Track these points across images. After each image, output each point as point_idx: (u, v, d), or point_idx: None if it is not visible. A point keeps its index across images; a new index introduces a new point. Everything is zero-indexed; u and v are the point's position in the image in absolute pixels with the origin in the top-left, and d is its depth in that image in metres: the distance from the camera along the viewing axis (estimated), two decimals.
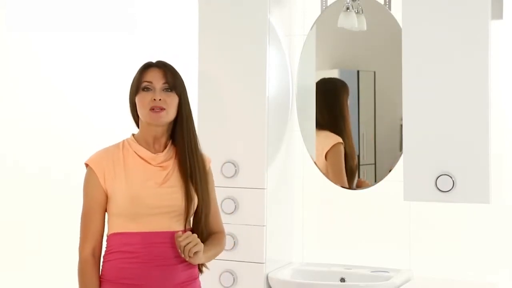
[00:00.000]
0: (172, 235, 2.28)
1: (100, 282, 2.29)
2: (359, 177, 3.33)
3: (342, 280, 3.23)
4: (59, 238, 3.59)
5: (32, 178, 3.68)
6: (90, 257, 2.28)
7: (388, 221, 3.27)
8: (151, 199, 2.28)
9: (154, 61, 2.38)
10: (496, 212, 3.04)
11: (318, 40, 3.39)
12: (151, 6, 3.98)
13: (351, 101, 3.35)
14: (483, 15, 2.73)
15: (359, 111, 3.33)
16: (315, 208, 3.43)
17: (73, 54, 3.86)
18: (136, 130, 2.40)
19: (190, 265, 2.33)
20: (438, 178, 2.78)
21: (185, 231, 2.32)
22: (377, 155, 3.30)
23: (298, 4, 3.45)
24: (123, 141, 2.38)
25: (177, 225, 2.31)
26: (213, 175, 2.48)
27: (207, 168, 2.43)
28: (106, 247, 2.33)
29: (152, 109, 2.30)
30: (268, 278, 3.15)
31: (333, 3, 3.36)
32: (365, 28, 3.31)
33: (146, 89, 2.32)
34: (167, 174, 2.32)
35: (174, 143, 2.38)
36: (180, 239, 2.23)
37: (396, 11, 3.17)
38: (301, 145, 3.41)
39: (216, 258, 2.42)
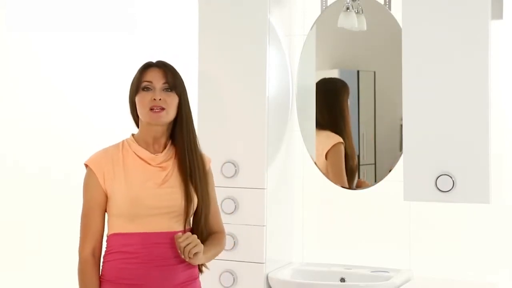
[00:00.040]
0: (171, 236, 2.28)
1: (100, 282, 2.29)
2: (359, 177, 3.33)
3: (342, 280, 3.23)
4: (59, 238, 3.59)
5: (32, 178, 3.68)
6: (90, 257, 2.28)
7: (388, 221, 3.27)
8: (151, 199, 2.27)
9: (154, 61, 2.38)
10: (496, 212, 3.04)
11: (318, 40, 3.39)
12: (151, 6, 3.98)
13: (351, 101, 3.35)
14: (483, 15, 2.73)
15: (359, 111, 3.33)
16: (315, 208, 3.43)
17: (73, 54, 3.86)
18: (136, 130, 2.40)
19: (190, 265, 2.33)
20: (438, 178, 2.78)
21: (184, 231, 2.32)
22: (377, 155, 3.30)
23: (298, 4, 3.45)
24: (123, 141, 2.37)
25: (176, 226, 2.31)
26: (213, 175, 2.48)
27: (207, 168, 2.43)
28: (106, 248, 2.33)
29: (151, 109, 2.30)
30: (268, 278, 3.15)
31: (333, 3, 3.36)
32: (365, 28, 3.31)
33: (146, 88, 2.32)
34: (167, 174, 2.32)
35: (173, 143, 2.38)
36: (180, 240, 2.23)
37: (396, 11, 3.17)
38: (301, 145, 3.41)
39: (216, 258, 2.42)
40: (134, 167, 2.31)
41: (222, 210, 3.12)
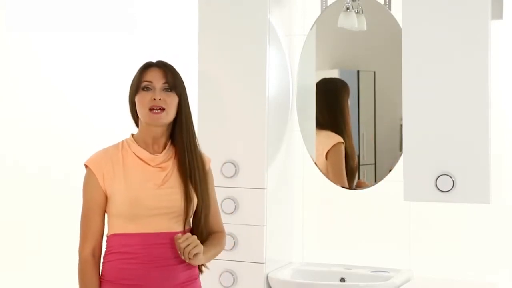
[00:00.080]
0: (171, 236, 2.28)
1: (100, 283, 2.29)
2: (359, 177, 3.33)
3: (342, 280, 3.23)
4: (59, 238, 3.59)
5: (32, 178, 3.68)
6: (90, 257, 2.28)
7: (388, 221, 3.27)
8: (150, 200, 2.27)
9: (154, 61, 2.38)
10: (496, 212, 3.04)
11: (318, 40, 3.39)
12: (151, 6, 3.98)
13: (351, 101, 3.35)
14: (483, 15, 2.73)
15: (359, 111, 3.33)
16: (315, 208, 3.43)
17: (73, 54, 3.86)
18: (135, 130, 2.40)
19: (190, 266, 2.33)
20: (438, 178, 2.78)
21: (184, 232, 2.32)
22: (377, 155, 3.29)
23: (298, 4, 3.45)
24: (122, 141, 2.37)
25: (176, 226, 2.31)
26: (213, 175, 2.48)
27: (207, 168, 2.43)
28: (106, 248, 2.34)
29: (151, 109, 2.29)
30: (268, 278, 3.15)
31: (333, 3, 3.36)
32: (365, 28, 3.31)
33: (146, 88, 2.32)
34: (166, 175, 2.32)
35: (173, 143, 2.38)
36: (179, 241, 2.23)
37: (396, 11, 3.17)
38: (301, 145, 3.41)
39: (216, 258, 2.42)
40: (133, 167, 2.31)
41: (222, 210, 3.12)
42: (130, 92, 2.37)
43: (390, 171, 3.23)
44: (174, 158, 2.35)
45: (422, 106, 2.82)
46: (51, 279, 3.59)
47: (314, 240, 3.43)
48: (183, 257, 2.24)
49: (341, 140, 3.34)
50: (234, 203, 3.19)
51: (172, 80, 2.33)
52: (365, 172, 3.32)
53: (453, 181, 2.76)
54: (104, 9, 3.91)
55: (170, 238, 2.28)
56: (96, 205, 2.29)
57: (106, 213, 2.32)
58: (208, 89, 3.25)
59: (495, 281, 3.07)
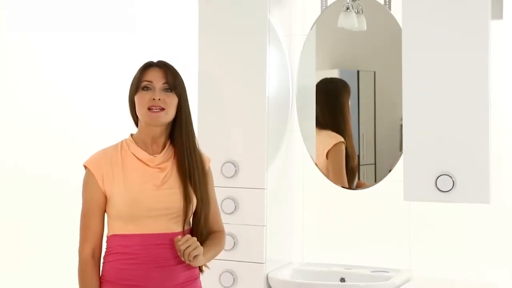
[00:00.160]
0: (171, 237, 2.28)
1: (101, 283, 2.29)
2: (359, 177, 3.33)
3: (342, 280, 3.23)
4: (59, 238, 3.58)
5: (32, 178, 3.68)
6: (90, 258, 2.28)
7: (388, 221, 3.27)
8: (150, 201, 2.27)
9: (154, 60, 2.38)
10: (496, 212, 3.04)
11: (318, 40, 3.39)
12: (151, 6, 3.98)
13: (351, 101, 3.35)
14: (483, 15, 2.73)
15: (359, 111, 3.33)
16: (315, 208, 3.43)
17: (73, 54, 3.86)
18: (135, 130, 2.40)
19: (190, 266, 2.33)
20: (438, 178, 2.78)
21: (184, 232, 2.32)
22: (377, 155, 3.29)
23: (298, 4, 3.45)
24: (122, 142, 2.37)
25: (176, 226, 2.31)
26: (213, 175, 2.48)
27: (207, 168, 2.42)
28: (106, 248, 2.33)
29: (150, 108, 2.29)
30: (268, 278, 3.15)
31: (333, 3, 3.36)
32: (365, 28, 3.31)
33: (146, 88, 2.32)
34: (165, 175, 2.32)
35: (172, 143, 2.37)
36: (179, 243, 2.22)
37: (396, 11, 3.17)
38: (301, 145, 3.41)
39: (216, 258, 2.42)
40: (133, 168, 2.31)
41: (222, 210, 3.12)
42: (130, 92, 2.36)
43: (390, 171, 3.23)
44: (173, 158, 2.35)
45: (422, 106, 2.82)
46: (51, 279, 3.59)
47: (314, 240, 3.43)
48: (183, 259, 2.24)
49: (342, 139, 3.34)
50: (234, 203, 3.19)
51: (172, 80, 2.33)
52: (365, 172, 3.32)
53: (453, 181, 2.76)
54: (104, 9, 3.91)
55: (169, 239, 2.28)
56: (95, 205, 2.29)
57: (105, 214, 2.32)
58: (208, 89, 3.25)
59: (495, 281, 3.07)
